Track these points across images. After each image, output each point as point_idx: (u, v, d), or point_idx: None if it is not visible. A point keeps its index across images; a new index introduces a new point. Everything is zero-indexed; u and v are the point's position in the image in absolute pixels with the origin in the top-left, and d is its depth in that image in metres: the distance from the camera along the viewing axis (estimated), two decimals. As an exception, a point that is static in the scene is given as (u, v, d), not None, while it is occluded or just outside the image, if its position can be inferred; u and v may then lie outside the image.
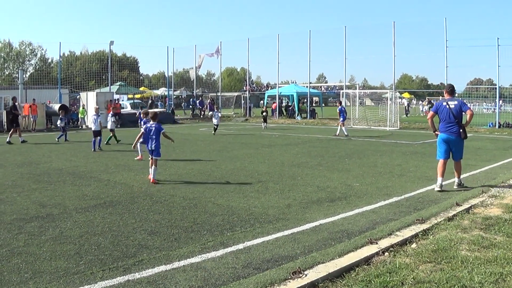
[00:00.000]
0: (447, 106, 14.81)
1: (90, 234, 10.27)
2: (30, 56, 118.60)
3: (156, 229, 10.62)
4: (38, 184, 16.31)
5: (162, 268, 8.17)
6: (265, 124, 45.43)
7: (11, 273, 8.04)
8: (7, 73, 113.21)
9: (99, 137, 27.20)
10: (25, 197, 14.31)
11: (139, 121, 29.90)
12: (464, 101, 16.20)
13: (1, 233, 10.49)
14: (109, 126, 30.18)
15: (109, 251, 9.06)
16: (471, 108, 15.44)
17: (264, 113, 46.52)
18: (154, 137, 16.76)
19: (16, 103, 35.06)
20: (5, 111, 46.69)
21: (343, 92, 53.93)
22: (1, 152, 26.81)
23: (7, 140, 31.52)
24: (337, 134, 35.59)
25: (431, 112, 15.69)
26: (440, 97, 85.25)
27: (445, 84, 48.00)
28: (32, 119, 46.11)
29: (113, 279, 7.71)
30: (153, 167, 16.58)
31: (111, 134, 29.58)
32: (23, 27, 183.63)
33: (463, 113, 14.94)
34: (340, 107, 36.24)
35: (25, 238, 10.09)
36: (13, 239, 10.05)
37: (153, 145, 16.75)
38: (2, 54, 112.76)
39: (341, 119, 35.36)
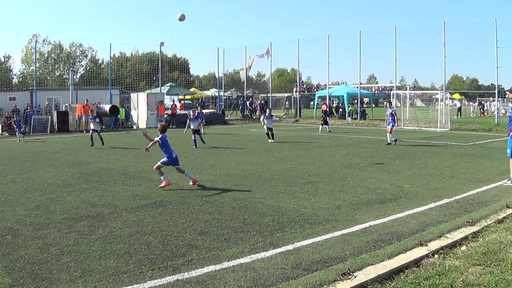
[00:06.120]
0: None
1: (140, 233, 10.38)
2: (81, 57, 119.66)
3: (206, 229, 10.68)
4: (89, 184, 16.49)
5: (212, 268, 8.20)
6: (327, 126, 41.86)
7: (61, 272, 8.17)
8: (58, 74, 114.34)
9: (194, 136, 29.38)
10: (75, 197, 14.55)
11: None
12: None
13: (51, 232, 10.68)
14: (92, 127, 30.77)
15: (158, 250, 9.14)
16: None
17: (325, 114, 43.73)
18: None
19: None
20: (56, 112, 47.45)
21: (393, 93, 53.44)
22: (52, 152, 27.19)
23: None
24: (393, 141, 29.98)
25: None
26: (491, 98, 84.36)
27: (496, 85, 47.61)
28: (85, 120, 46.68)
29: (162, 279, 7.78)
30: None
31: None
32: (73, 29, 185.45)
33: None
34: (391, 109, 31.18)
35: (75, 237, 10.25)
36: (63, 238, 10.21)
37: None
38: (53, 56, 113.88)
39: (392, 123, 30.01)
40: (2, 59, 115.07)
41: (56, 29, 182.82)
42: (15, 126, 40.14)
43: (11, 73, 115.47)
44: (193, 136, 29.37)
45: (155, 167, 16.14)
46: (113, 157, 24.09)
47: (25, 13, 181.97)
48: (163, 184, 15.79)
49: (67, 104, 49.34)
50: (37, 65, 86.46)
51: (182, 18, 16.85)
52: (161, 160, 16.08)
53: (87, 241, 9.91)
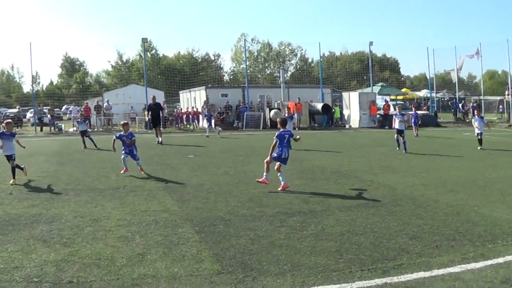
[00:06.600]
0: None
1: (351, 233, 10.37)
2: (290, 56, 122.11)
3: (418, 234, 10.45)
4: (302, 180, 16.73)
5: (421, 274, 8.03)
6: None
7: (270, 264, 8.41)
8: (268, 72, 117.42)
9: (397, 136, 27.13)
10: (288, 192, 14.84)
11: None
12: None
13: (263, 225, 11.01)
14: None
15: (369, 251, 9.10)
16: None
17: None
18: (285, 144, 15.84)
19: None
20: (268, 109, 48.58)
21: None
22: (265, 147, 27.74)
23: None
24: None
25: None
26: None
27: None
28: (297, 117, 47.56)
29: (371, 280, 7.75)
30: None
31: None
32: (281, 28, 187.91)
33: None
34: None
35: (287, 231, 10.46)
36: (274, 231, 10.48)
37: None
38: (262, 54, 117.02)
39: None
40: (213, 57, 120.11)
41: (263, 28, 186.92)
42: (206, 120, 41.69)
43: (222, 70, 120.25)
44: (395, 136, 27.31)
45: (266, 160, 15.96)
46: (326, 155, 24.28)
47: (233, 13, 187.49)
48: (261, 180, 15.75)
49: (279, 101, 50.38)
50: (247, 63, 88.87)
51: (275, 117, 16.77)
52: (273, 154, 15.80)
53: (298, 236, 10.09)
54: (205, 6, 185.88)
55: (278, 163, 15.55)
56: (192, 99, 58.50)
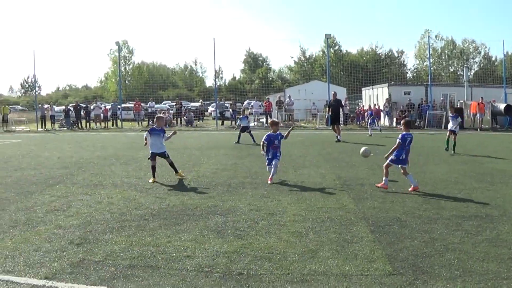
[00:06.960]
0: None
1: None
2: (474, 54, 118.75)
3: None
4: (480, 184, 16.39)
5: None
6: None
7: (442, 268, 8.33)
8: (452, 70, 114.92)
9: None
10: (466, 195, 14.56)
11: None
12: None
13: (439, 228, 10.89)
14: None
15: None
16: None
17: None
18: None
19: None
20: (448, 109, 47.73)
21: None
22: (440, 148, 27.19)
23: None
24: None
25: None
26: None
27: None
28: (479, 118, 46.61)
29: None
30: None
31: None
32: (465, 25, 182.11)
33: None
34: None
35: (461, 235, 10.29)
36: (449, 234, 10.35)
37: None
38: (446, 51, 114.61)
39: None
40: (396, 54, 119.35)
41: (447, 24, 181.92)
42: (369, 120, 41.61)
43: (405, 67, 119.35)
44: None
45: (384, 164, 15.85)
46: (506, 158, 23.46)
47: (417, 8, 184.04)
48: (380, 185, 15.63)
49: (462, 101, 49.37)
50: (431, 60, 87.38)
51: (366, 154, 16.35)
52: (390, 158, 15.65)
53: (472, 241, 9.90)
54: (389, 1, 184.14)
55: (403, 167, 15.59)
56: (375, 96, 58.32)
